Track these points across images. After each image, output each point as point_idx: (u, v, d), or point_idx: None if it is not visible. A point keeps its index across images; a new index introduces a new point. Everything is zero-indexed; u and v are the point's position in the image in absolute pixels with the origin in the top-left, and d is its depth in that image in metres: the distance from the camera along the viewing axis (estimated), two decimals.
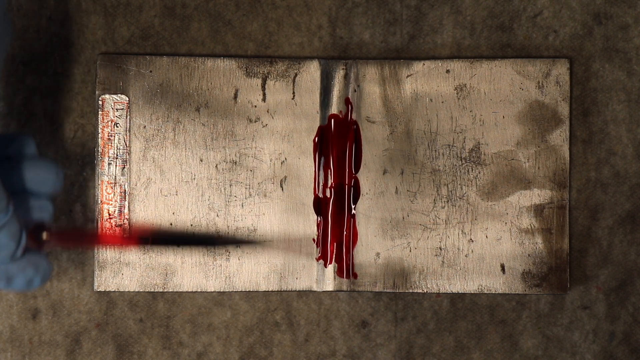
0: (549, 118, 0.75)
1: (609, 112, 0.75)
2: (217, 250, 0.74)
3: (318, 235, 0.74)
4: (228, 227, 0.74)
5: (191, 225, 0.74)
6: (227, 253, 0.74)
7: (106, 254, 0.74)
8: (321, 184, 0.74)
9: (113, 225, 0.74)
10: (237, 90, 0.75)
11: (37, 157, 0.65)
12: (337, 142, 0.74)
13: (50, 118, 0.74)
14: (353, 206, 0.75)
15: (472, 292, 0.75)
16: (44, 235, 0.65)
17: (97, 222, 0.74)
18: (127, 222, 0.74)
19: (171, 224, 0.74)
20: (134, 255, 0.74)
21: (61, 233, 0.67)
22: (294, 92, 0.75)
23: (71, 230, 0.71)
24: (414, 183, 0.75)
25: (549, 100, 0.75)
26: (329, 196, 0.74)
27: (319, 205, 0.74)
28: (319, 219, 0.74)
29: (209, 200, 0.74)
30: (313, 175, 0.75)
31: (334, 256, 0.74)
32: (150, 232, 0.70)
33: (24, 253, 0.63)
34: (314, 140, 0.75)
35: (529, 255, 0.75)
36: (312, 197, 0.75)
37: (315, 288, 0.74)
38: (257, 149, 0.75)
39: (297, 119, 0.75)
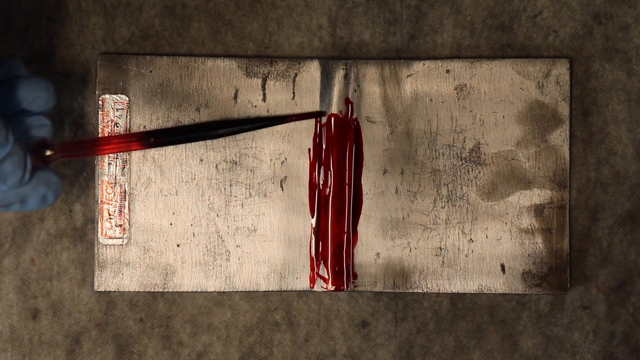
0: (549, 118, 0.75)
1: (609, 112, 0.75)
2: (217, 250, 0.74)
3: (318, 235, 0.74)
4: (228, 227, 0.74)
5: (191, 225, 0.74)
6: (227, 253, 0.74)
7: (106, 254, 0.74)
8: (321, 184, 0.74)
9: (113, 226, 0.74)
10: (237, 90, 0.75)
11: (27, 76, 0.66)
12: (337, 142, 0.74)
13: (50, 118, 0.74)
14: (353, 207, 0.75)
15: (472, 292, 0.75)
16: (48, 152, 0.66)
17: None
18: (127, 221, 0.74)
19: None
20: (134, 255, 0.74)
21: (64, 146, 0.67)
22: (294, 92, 0.75)
23: (73, 141, 0.71)
24: (414, 183, 0.75)
25: (549, 100, 0.75)
26: (328, 196, 0.74)
27: (319, 205, 0.74)
28: (317, 219, 0.74)
29: (209, 200, 0.74)
30: (313, 175, 0.75)
31: (334, 256, 0.74)
32: (153, 132, 0.68)
33: (32, 174, 0.64)
34: (314, 139, 0.75)
35: (529, 255, 0.75)
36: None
37: (315, 288, 0.74)
38: (257, 149, 0.75)
39: None
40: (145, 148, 0.67)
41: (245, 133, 0.74)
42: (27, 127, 0.65)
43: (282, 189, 0.75)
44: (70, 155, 0.67)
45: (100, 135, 0.74)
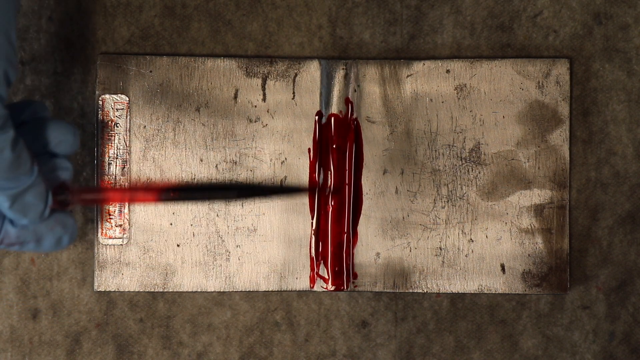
0: (549, 118, 0.75)
1: (609, 112, 0.75)
2: (217, 250, 0.74)
3: (318, 235, 0.74)
4: (228, 227, 0.74)
5: (191, 225, 0.74)
6: (227, 253, 0.74)
7: (106, 254, 0.74)
8: (321, 184, 0.75)
9: (113, 226, 0.74)
10: (237, 90, 0.75)
11: (54, 119, 0.66)
12: (337, 142, 0.74)
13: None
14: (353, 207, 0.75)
15: (472, 292, 0.75)
16: (68, 194, 0.66)
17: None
18: (127, 221, 0.74)
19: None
20: (134, 255, 0.74)
21: (84, 191, 0.67)
22: (294, 92, 0.75)
23: (93, 188, 0.71)
24: (414, 183, 0.75)
25: (549, 100, 0.75)
26: (328, 196, 0.74)
27: (319, 205, 0.74)
28: (317, 219, 0.74)
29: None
30: (313, 175, 0.75)
31: (334, 256, 0.74)
32: (172, 186, 0.68)
33: (50, 213, 0.64)
34: (314, 139, 0.75)
35: (529, 255, 0.75)
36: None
37: (315, 288, 0.74)
38: (257, 149, 0.75)
39: (297, 119, 0.75)
40: (162, 202, 0.68)
41: (244, 133, 0.74)
42: (50, 169, 0.66)
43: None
44: (88, 201, 0.68)
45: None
